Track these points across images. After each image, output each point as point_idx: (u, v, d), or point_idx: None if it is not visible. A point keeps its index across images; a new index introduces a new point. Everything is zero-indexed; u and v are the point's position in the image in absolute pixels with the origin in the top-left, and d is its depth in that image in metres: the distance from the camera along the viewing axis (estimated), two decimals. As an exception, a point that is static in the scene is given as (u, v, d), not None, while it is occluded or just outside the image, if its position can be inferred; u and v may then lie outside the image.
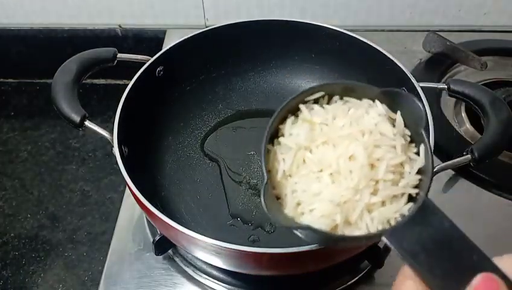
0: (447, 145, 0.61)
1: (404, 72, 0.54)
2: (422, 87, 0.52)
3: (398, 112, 0.33)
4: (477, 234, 0.56)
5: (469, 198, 0.60)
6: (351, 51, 0.60)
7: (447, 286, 0.25)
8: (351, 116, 0.33)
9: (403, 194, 0.31)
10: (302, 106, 0.34)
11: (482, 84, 0.60)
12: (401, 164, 0.32)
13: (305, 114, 0.34)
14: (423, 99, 0.49)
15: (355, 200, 0.30)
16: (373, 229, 0.30)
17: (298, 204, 0.31)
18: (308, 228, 0.29)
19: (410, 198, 0.31)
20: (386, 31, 0.84)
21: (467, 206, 0.59)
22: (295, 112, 0.35)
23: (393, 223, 0.30)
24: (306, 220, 0.30)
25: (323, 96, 0.35)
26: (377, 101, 0.33)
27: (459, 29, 0.83)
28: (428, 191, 0.29)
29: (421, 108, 0.31)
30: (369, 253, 0.50)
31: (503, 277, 0.23)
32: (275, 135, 0.34)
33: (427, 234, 0.27)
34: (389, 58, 0.56)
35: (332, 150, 0.31)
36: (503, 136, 0.50)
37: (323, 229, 0.29)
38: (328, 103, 0.35)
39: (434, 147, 0.47)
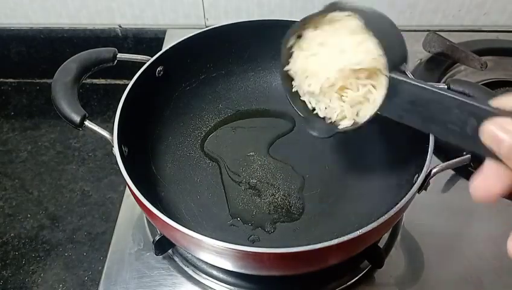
0: (447, 145, 0.61)
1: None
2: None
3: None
4: (477, 234, 0.57)
5: (469, 198, 0.60)
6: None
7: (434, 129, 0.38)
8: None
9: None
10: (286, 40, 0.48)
11: (482, 84, 0.59)
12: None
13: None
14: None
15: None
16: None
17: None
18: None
19: None
20: (386, 31, 0.84)
21: (467, 206, 0.59)
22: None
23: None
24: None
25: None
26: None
27: (459, 29, 0.83)
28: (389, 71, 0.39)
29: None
30: (369, 253, 0.50)
31: None
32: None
33: (402, 100, 0.38)
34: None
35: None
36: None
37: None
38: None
39: (434, 147, 0.47)
